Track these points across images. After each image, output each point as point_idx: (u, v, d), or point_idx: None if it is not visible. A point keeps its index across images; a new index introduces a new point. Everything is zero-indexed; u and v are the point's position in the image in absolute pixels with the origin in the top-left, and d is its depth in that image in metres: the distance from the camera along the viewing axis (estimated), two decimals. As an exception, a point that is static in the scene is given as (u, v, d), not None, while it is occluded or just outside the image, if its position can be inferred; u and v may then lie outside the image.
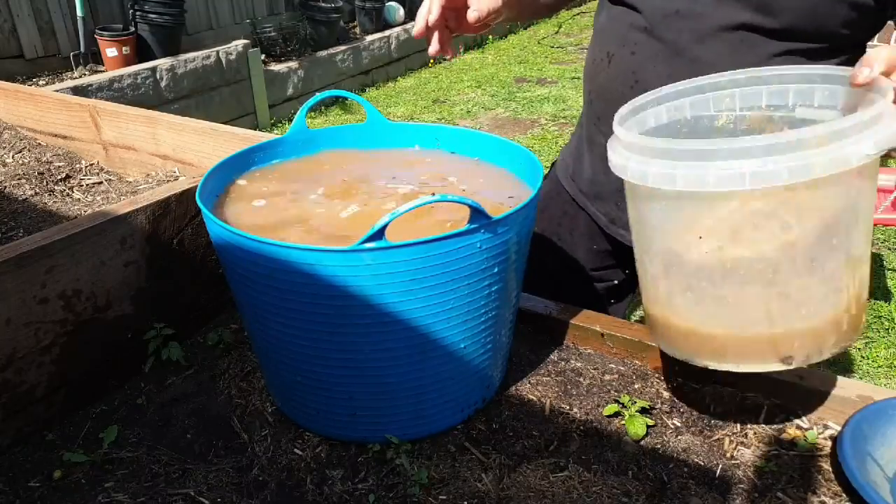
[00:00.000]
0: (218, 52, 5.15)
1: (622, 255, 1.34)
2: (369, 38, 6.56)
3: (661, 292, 0.83)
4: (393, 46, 6.80)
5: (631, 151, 0.77)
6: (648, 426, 0.93)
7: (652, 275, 0.84)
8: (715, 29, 1.02)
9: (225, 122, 2.19)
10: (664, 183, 0.72)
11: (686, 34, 1.05)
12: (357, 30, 6.78)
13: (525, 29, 8.88)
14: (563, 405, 0.98)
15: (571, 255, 1.38)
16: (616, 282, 1.41)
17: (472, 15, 0.99)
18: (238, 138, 1.40)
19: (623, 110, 0.88)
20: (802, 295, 0.75)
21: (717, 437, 0.92)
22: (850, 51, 1.02)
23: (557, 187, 1.38)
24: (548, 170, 1.43)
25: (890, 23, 1.03)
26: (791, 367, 0.77)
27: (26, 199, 1.55)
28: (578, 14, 9.46)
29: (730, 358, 0.79)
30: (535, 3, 1.25)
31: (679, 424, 0.94)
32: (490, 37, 8.13)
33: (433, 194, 0.76)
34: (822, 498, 0.82)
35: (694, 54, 1.05)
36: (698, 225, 0.75)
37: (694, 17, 1.04)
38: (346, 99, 4.66)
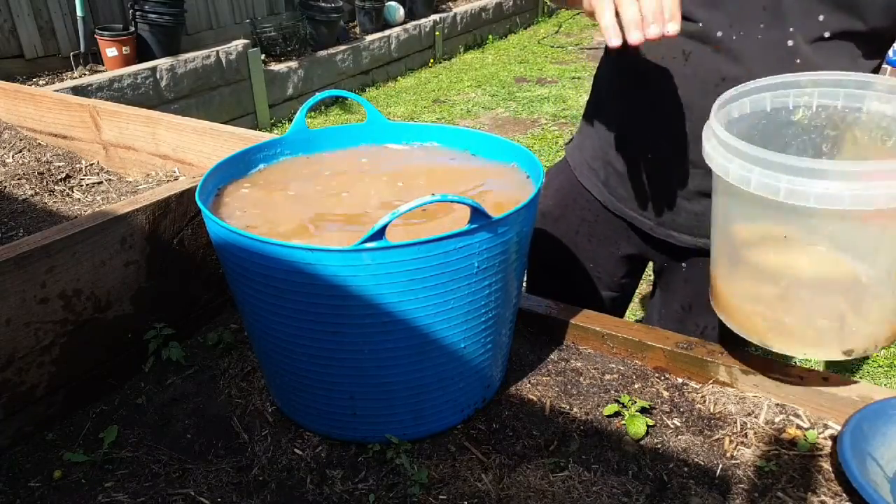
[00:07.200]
0: (218, 51, 5.15)
1: (642, 262, 1.37)
2: (369, 37, 6.55)
3: (744, 283, 0.91)
4: (393, 46, 6.80)
5: (731, 154, 0.82)
6: (648, 426, 0.93)
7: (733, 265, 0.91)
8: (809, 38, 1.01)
9: (225, 122, 2.19)
10: (766, 192, 0.78)
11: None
12: (357, 30, 6.77)
13: (525, 29, 8.88)
14: (563, 405, 0.98)
15: (588, 263, 1.37)
16: (623, 294, 1.42)
17: None
18: (238, 138, 1.40)
19: (715, 104, 0.91)
20: (876, 307, 0.85)
21: (717, 437, 0.92)
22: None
23: (574, 195, 1.35)
24: (549, 174, 1.41)
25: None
26: (849, 358, 0.84)
27: (26, 199, 1.55)
28: (579, 14, 9.44)
29: (796, 345, 0.88)
30: None
31: (679, 424, 0.94)
32: (490, 37, 8.12)
33: (433, 194, 0.75)
34: (823, 498, 0.82)
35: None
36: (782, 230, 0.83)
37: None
38: (346, 99, 4.65)
